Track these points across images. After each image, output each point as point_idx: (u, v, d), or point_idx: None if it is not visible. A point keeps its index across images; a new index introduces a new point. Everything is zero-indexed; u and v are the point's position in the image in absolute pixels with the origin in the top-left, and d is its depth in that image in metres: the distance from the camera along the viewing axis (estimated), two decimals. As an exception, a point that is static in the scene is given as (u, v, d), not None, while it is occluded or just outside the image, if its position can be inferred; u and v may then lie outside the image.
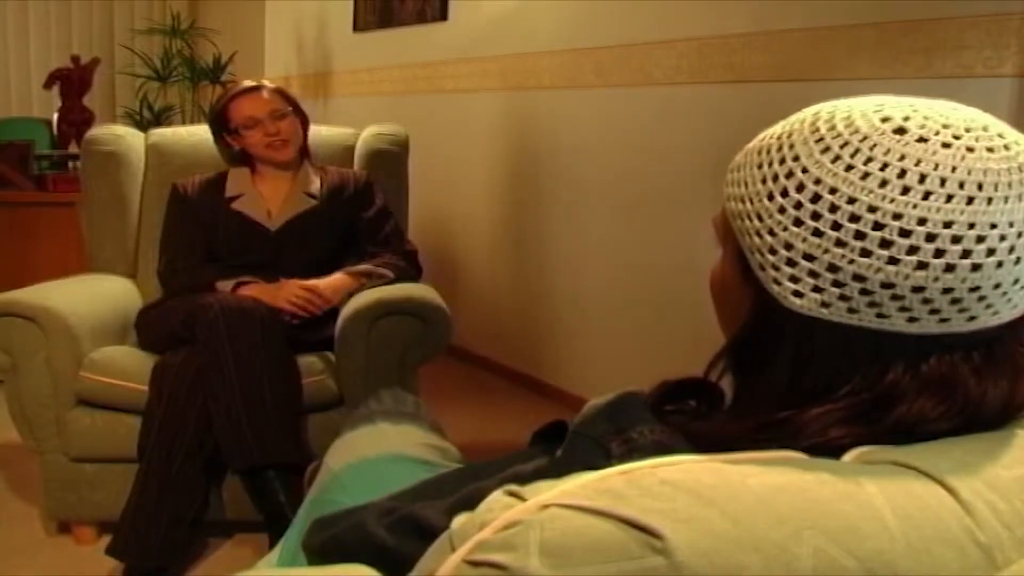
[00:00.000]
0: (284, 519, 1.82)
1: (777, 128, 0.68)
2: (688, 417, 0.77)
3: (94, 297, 2.24)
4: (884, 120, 0.61)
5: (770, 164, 0.65)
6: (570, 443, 0.75)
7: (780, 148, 0.65)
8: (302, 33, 5.06)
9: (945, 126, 0.60)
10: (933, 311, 0.60)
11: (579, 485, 0.54)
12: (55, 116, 3.84)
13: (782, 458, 0.58)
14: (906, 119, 0.61)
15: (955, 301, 0.60)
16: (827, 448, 0.60)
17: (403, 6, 4.05)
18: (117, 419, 2.03)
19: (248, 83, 2.32)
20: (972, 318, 0.61)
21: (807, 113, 0.66)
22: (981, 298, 0.60)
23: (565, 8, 3.11)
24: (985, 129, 0.61)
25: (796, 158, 0.63)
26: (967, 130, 0.60)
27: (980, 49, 1.91)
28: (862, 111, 0.63)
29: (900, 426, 0.61)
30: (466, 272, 3.78)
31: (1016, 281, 0.60)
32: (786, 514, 0.51)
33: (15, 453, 2.39)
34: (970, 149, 0.59)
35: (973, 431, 0.62)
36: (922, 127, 0.60)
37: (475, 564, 0.53)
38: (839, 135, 0.62)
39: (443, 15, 3.77)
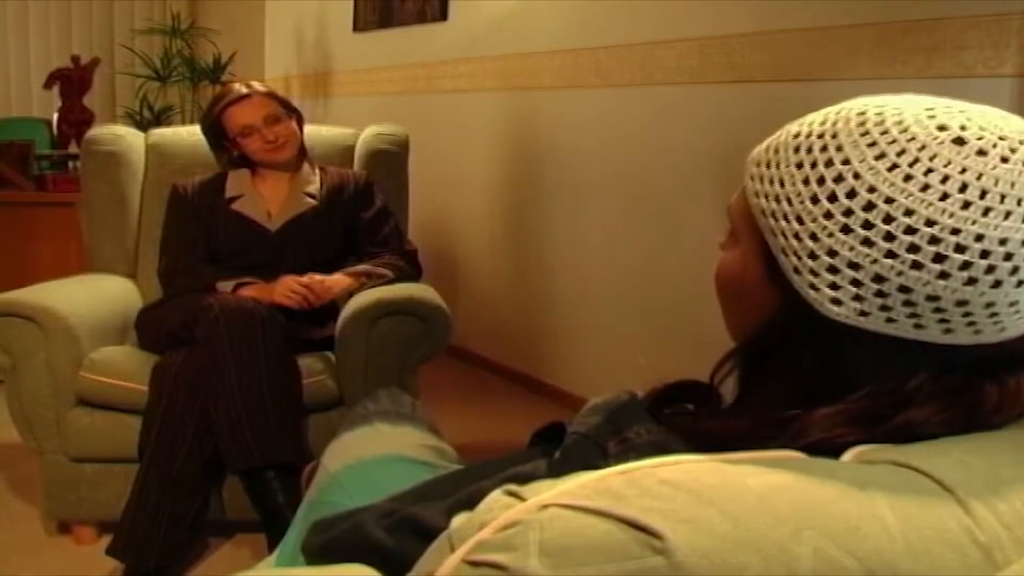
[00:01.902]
0: (282, 520, 1.81)
1: (814, 125, 0.65)
2: (688, 419, 0.77)
3: (94, 297, 2.24)
4: (941, 128, 0.60)
5: (814, 165, 0.63)
6: (568, 443, 0.75)
7: (825, 148, 0.63)
8: (302, 33, 5.06)
9: (1002, 138, 0.59)
10: (970, 323, 0.60)
11: (579, 485, 0.54)
12: (55, 116, 3.84)
13: (782, 458, 0.58)
14: (963, 128, 0.60)
15: (993, 315, 0.60)
16: (827, 447, 0.60)
17: (403, 6, 4.05)
18: (117, 419, 2.03)
19: (238, 88, 2.30)
20: (1003, 329, 0.61)
21: (849, 111, 0.64)
22: (1017, 311, 0.60)
23: (565, 8, 3.11)
24: None
25: (846, 161, 0.61)
26: (1021, 142, 0.60)
27: (980, 49, 1.91)
28: (914, 115, 0.61)
29: (904, 428, 0.61)
30: (466, 272, 3.78)
31: None
32: (786, 514, 0.51)
33: (15, 453, 2.39)
34: None
35: (972, 431, 0.62)
36: (980, 138, 0.59)
37: (475, 564, 0.53)
38: (895, 141, 0.60)
39: (443, 15, 3.77)
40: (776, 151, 0.67)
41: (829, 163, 0.62)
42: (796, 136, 0.66)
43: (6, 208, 3.33)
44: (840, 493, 0.53)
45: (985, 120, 0.61)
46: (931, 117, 0.61)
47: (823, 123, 0.65)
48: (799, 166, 0.64)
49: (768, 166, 0.67)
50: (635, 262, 2.88)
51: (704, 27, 2.56)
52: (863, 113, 0.63)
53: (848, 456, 0.59)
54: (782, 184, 0.65)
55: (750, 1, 2.43)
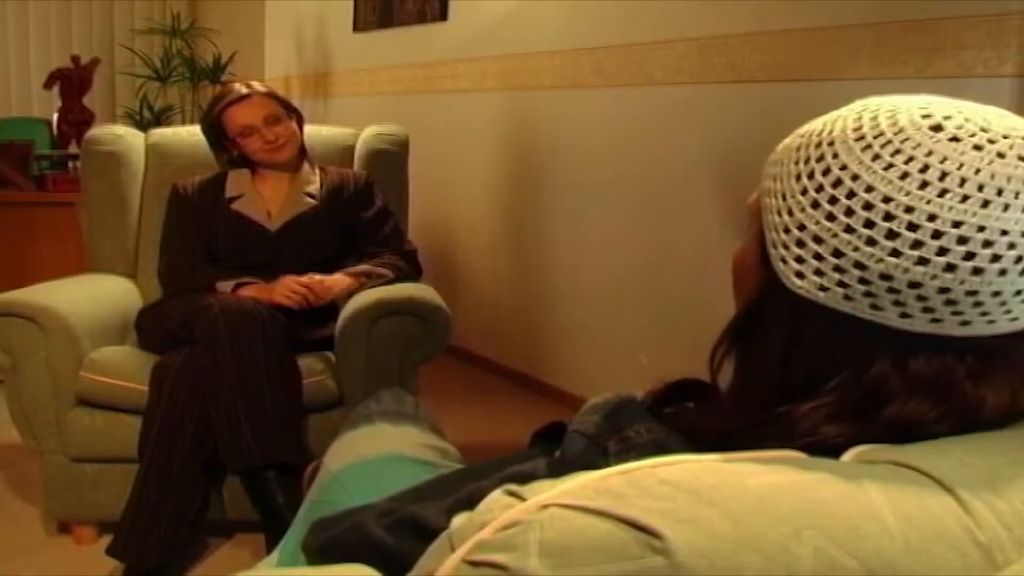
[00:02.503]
0: (282, 520, 1.82)
1: (825, 117, 0.68)
2: (687, 417, 0.77)
3: (94, 297, 2.24)
4: (925, 117, 0.61)
5: (806, 147, 0.66)
6: (568, 443, 0.75)
7: (820, 133, 0.65)
8: (302, 33, 5.06)
9: (983, 129, 0.60)
10: (927, 309, 0.60)
11: (579, 485, 0.54)
12: (55, 116, 3.84)
13: (782, 457, 0.58)
14: (947, 118, 0.61)
15: (950, 302, 0.59)
16: (825, 447, 0.60)
17: (403, 6, 4.05)
18: (117, 419, 2.03)
19: (239, 88, 2.30)
20: (966, 323, 0.60)
21: (858, 104, 0.67)
22: (977, 303, 0.59)
23: (565, 8, 3.11)
24: None
25: (831, 143, 0.64)
26: (1004, 136, 0.60)
27: (980, 49, 1.91)
28: (907, 107, 0.63)
29: (894, 426, 0.60)
30: (466, 272, 3.78)
31: (1018, 292, 0.59)
32: (786, 514, 0.51)
33: (15, 453, 2.39)
34: (1000, 155, 0.59)
35: (971, 431, 0.62)
36: (959, 127, 0.60)
37: (475, 564, 0.53)
38: (877, 126, 0.62)
39: (443, 15, 3.77)
40: (792, 138, 0.69)
41: (818, 145, 0.65)
42: (811, 124, 0.68)
43: (6, 208, 3.33)
44: (840, 493, 0.53)
45: (976, 115, 0.61)
46: (921, 108, 0.62)
47: (834, 114, 0.67)
48: (797, 149, 0.67)
49: (780, 151, 0.70)
50: (635, 262, 2.88)
51: (704, 27, 2.56)
52: (865, 105, 0.66)
53: (848, 456, 0.59)
54: (782, 165, 0.68)
55: (750, 1, 2.43)
